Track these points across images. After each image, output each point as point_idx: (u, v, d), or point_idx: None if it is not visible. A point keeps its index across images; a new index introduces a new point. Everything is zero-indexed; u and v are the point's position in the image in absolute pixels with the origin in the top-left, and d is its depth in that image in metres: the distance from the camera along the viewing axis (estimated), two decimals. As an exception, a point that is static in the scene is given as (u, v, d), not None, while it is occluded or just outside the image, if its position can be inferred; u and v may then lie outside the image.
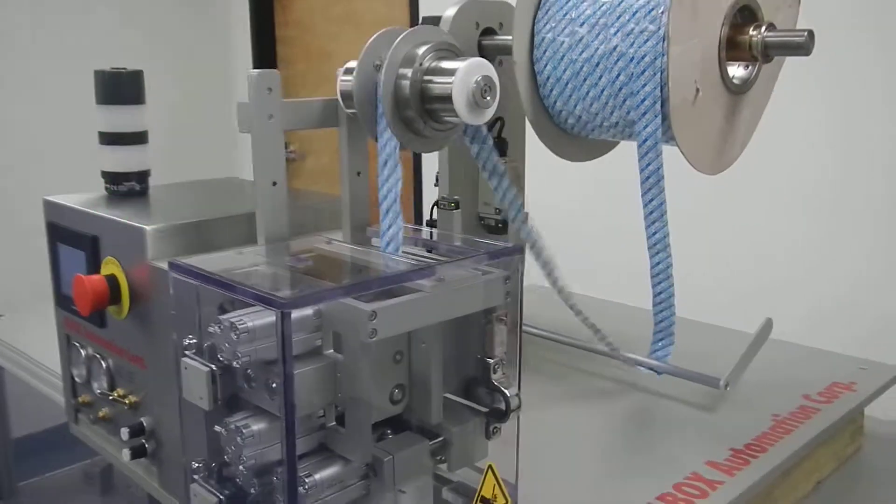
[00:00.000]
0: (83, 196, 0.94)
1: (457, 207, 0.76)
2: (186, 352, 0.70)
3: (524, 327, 1.22)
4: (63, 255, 0.90)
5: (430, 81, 0.73)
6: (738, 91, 0.95)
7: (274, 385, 0.65)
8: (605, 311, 1.06)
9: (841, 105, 2.01)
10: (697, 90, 0.90)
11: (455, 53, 0.75)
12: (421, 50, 0.74)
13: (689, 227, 2.37)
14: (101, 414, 0.90)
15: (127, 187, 0.93)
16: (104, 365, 0.88)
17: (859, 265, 2.04)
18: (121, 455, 0.84)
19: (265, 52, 3.47)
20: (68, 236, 0.88)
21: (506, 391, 0.74)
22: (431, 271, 0.69)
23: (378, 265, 0.76)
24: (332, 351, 0.70)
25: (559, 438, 0.96)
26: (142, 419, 0.84)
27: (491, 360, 0.74)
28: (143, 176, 0.95)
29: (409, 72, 0.73)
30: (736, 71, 0.96)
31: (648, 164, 0.92)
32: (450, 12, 1.12)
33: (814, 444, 0.96)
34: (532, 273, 1.18)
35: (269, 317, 0.64)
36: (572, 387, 1.10)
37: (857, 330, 2.02)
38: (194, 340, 0.70)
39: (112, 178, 0.93)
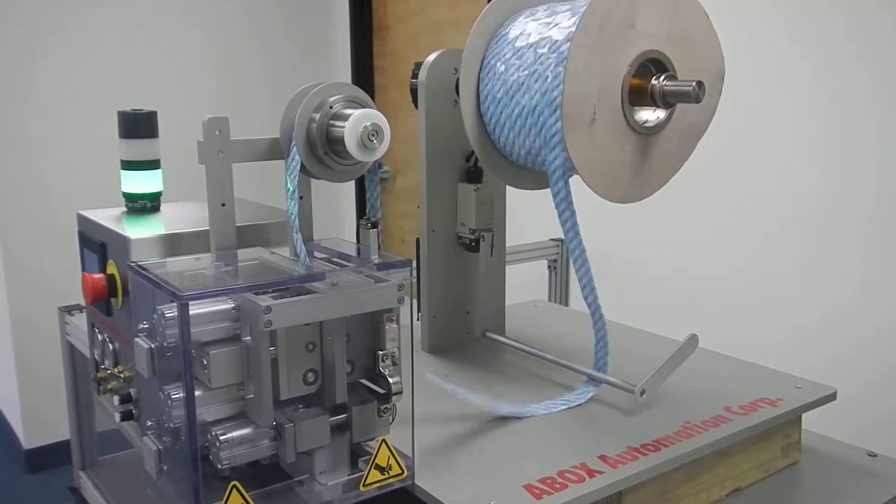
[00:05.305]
0: (109, 211, 1.17)
1: (374, 227, 0.93)
2: (139, 333, 0.90)
3: (507, 340, 1.38)
4: (86, 257, 1.13)
5: (333, 125, 0.90)
6: (646, 133, 1.07)
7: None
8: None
9: (831, 116, 2.03)
10: (594, 114, 1.02)
11: (360, 104, 0.92)
12: (331, 100, 0.91)
13: (679, 238, 2.40)
14: (109, 386, 1.12)
15: (140, 205, 1.16)
16: (111, 347, 1.10)
17: (846, 281, 2.06)
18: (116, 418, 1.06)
19: (364, 81, 3.74)
20: (89, 242, 1.11)
21: (389, 379, 0.90)
22: (319, 276, 0.86)
23: (288, 271, 0.94)
24: (248, 337, 0.88)
25: (486, 425, 1.10)
26: (130, 390, 1.05)
27: (380, 353, 0.91)
28: (154, 196, 1.17)
29: (317, 117, 0.91)
30: (647, 115, 1.08)
31: (559, 192, 1.05)
32: (430, 58, 1.31)
33: (709, 449, 1.05)
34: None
35: (192, 309, 0.83)
36: (526, 387, 1.22)
37: (839, 347, 2.03)
38: (147, 326, 0.91)
39: (129, 197, 1.16)
